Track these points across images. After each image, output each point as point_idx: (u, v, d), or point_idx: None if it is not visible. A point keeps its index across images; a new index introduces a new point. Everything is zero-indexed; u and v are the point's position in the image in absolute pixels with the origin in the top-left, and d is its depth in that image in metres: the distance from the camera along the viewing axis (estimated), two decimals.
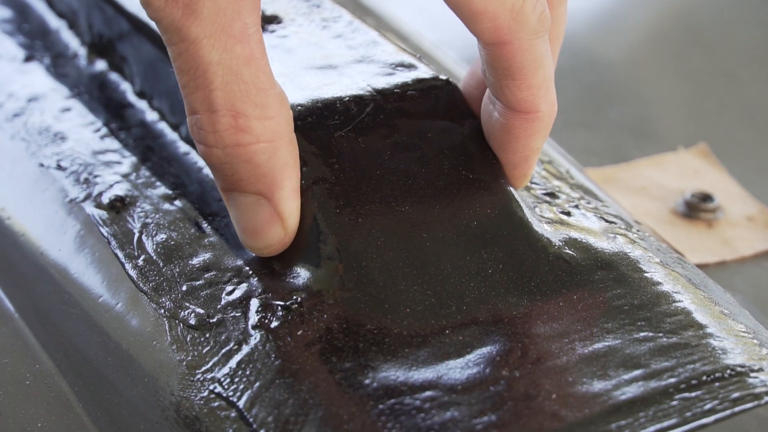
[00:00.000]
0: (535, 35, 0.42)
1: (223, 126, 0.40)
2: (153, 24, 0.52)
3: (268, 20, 0.51)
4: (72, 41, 0.59)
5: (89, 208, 0.48)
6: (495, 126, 0.45)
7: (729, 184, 0.66)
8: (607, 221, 0.48)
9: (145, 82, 0.54)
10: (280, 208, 0.42)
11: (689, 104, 0.74)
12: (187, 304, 0.44)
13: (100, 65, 0.57)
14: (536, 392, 0.39)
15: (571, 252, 0.45)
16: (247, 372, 0.41)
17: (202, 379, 0.41)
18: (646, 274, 0.44)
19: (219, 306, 0.43)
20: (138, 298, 0.45)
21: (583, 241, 0.45)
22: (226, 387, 0.41)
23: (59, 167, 0.51)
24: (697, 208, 0.63)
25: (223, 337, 0.42)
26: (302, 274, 0.43)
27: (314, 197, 0.43)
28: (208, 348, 0.42)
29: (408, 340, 0.41)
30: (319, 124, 0.44)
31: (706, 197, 0.63)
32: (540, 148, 0.45)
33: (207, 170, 0.49)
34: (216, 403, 0.41)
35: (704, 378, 0.40)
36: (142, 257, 0.46)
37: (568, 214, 0.48)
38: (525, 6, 0.41)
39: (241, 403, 0.40)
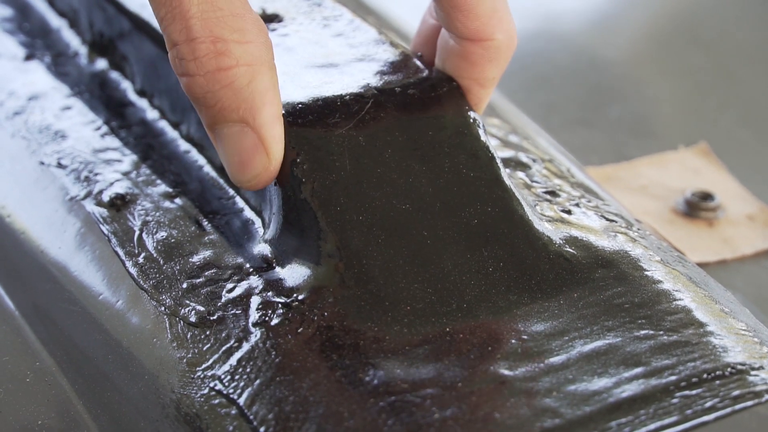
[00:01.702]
0: None
1: (202, 52, 0.41)
2: (154, 23, 0.52)
3: (269, 19, 0.51)
4: (73, 40, 0.60)
5: (90, 206, 0.48)
6: (452, 55, 0.46)
7: (729, 182, 0.66)
8: (607, 220, 0.48)
9: (145, 80, 0.54)
10: (263, 134, 0.42)
11: (689, 103, 0.74)
12: (188, 302, 0.44)
13: (101, 64, 0.57)
14: (537, 389, 0.39)
15: (571, 250, 0.45)
16: (248, 369, 0.41)
17: (202, 376, 0.41)
18: (646, 273, 0.44)
19: (219, 303, 0.43)
20: (138, 295, 0.45)
21: (584, 239, 0.45)
22: (226, 384, 0.41)
23: (60, 165, 0.51)
24: (697, 207, 0.63)
25: (223, 335, 0.42)
26: (303, 272, 0.43)
27: (315, 195, 0.43)
28: (208, 345, 0.42)
29: (408, 337, 0.41)
30: (320, 122, 0.44)
31: (707, 196, 0.63)
32: (497, 79, 0.47)
33: (207, 168, 0.49)
34: (216, 401, 0.41)
35: (705, 376, 0.40)
36: (143, 255, 0.46)
37: (569, 212, 0.48)
38: None
39: (241, 401, 0.40)
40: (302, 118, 0.44)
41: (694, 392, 0.40)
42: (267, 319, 0.42)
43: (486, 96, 0.47)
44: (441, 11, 0.45)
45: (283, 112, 0.44)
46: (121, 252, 0.46)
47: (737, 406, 0.40)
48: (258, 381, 0.40)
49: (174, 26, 0.41)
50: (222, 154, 0.43)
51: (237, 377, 0.41)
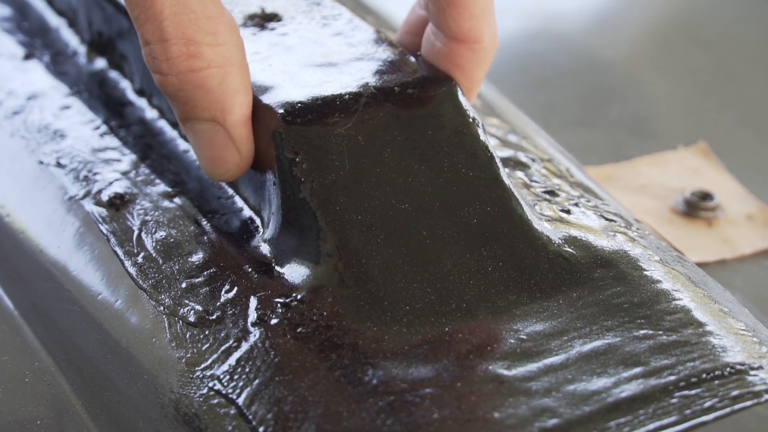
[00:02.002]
0: None
1: (174, 53, 0.42)
2: None
3: (268, 18, 0.51)
4: (72, 39, 0.59)
5: (89, 205, 0.48)
6: (439, 56, 0.47)
7: (729, 182, 0.66)
8: (606, 219, 0.48)
9: (144, 79, 0.54)
10: (233, 133, 0.44)
11: (689, 103, 0.74)
12: (187, 302, 0.44)
13: (100, 63, 0.57)
14: (536, 389, 0.39)
15: (570, 250, 0.45)
16: (247, 369, 0.41)
17: (201, 376, 0.41)
18: (645, 272, 0.44)
19: (218, 303, 0.43)
20: (137, 295, 0.45)
21: (583, 239, 0.45)
22: (225, 384, 0.41)
23: (59, 165, 0.51)
24: (696, 206, 0.63)
25: (222, 335, 0.42)
26: (302, 272, 0.43)
27: (314, 194, 0.43)
28: (207, 345, 0.42)
29: (407, 337, 0.41)
30: (319, 122, 0.44)
31: (706, 196, 0.63)
32: (482, 80, 0.47)
33: None
34: (215, 400, 0.41)
35: (704, 376, 0.40)
36: (142, 254, 0.46)
37: (568, 212, 0.48)
38: None
39: (240, 400, 0.40)
40: (301, 118, 0.44)
41: (693, 392, 0.40)
42: (266, 318, 0.42)
43: (475, 96, 0.48)
44: (434, 6, 0.46)
45: (281, 111, 0.44)
46: (120, 251, 0.46)
47: (736, 406, 0.40)
48: (257, 381, 0.40)
49: (147, 27, 0.42)
50: (194, 147, 0.45)
51: (236, 377, 0.41)
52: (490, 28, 0.46)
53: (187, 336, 0.43)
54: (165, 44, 0.42)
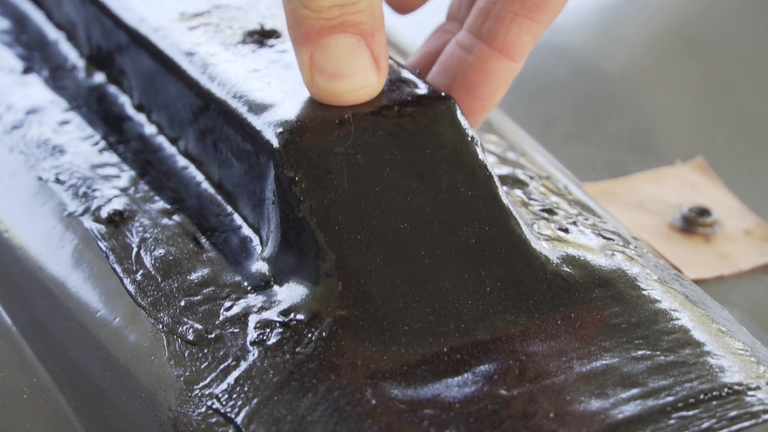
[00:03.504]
0: None
1: None
2: (152, 37, 0.52)
3: (267, 35, 0.51)
4: (70, 53, 0.59)
5: (87, 222, 0.48)
6: (468, 70, 0.48)
7: (726, 198, 0.66)
8: (605, 238, 0.48)
9: (143, 95, 0.54)
10: (378, 52, 0.44)
11: (686, 118, 0.74)
12: (186, 320, 0.44)
13: (99, 78, 0.57)
14: (534, 411, 0.39)
15: (568, 269, 0.45)
16: (246, 388, 0.41)
17: (200, 394, 0.41)
18: (643, 292, 0.44)
19: (217, 322, 0.43)
20: (136, 312, 0.45)
21: (581, 258, 0.45)
22: (224, 403, 0.41)
23: (58, 181, 0.51)
24: (694, 222, 0.63)
25: (221, 353, 0.42)
26: (301, 291, 0.43)
27: (313, 213, 0.43)
28: (206, 364, 0.42)
29: (406, 357, 0.41)
30: (318, 140, 0.44)
31: (704, 211, 0.63)
32: (497, 103, 0.48)
33: (205, 185, 0.49)
34: (214, 419, 0.41)
35: (702, 396, 0.40)
36: (141, 272, 0.46)
37: (566, 230, 0.48)
38: None
39: (239, 420, 0.40)
40: (300, 136, 0.44)
41: (691, 413, 0.40)
42: (265, 338, 0.42)
43: (483, 119, 0.49)
44: (505, 10, 0.47)
45: (280, 129, 0.44)
46: (118, 269, 0.46)
47: (734, 427, 0.40)
48: (255, 400, 0.40)
49: None
50: (324, 63, 0.44)
51: (234, 396, 0.41)
52: (527, 51, 0.48)
53: (186, 354, 0.43)
54: None
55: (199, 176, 0.50)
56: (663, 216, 0.64)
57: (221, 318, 0.43)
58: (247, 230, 0.47)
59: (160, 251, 0.46)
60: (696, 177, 0.67)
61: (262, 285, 0.44)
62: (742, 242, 0.63)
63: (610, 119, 0.73)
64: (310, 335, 0.42)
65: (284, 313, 0.43)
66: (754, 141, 0.72)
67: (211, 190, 0.49)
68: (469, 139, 0.46)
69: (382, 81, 0.45)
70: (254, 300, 0.43)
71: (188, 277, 0.45)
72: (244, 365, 0.41)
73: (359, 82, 0.44)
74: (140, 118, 0.54)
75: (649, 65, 0.80)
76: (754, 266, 0.62)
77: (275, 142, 0.44)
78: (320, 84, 0.44)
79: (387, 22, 0.46)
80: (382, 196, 0.44)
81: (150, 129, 0.53)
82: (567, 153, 0.65)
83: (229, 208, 0.48)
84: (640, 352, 0.42)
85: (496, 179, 0.46)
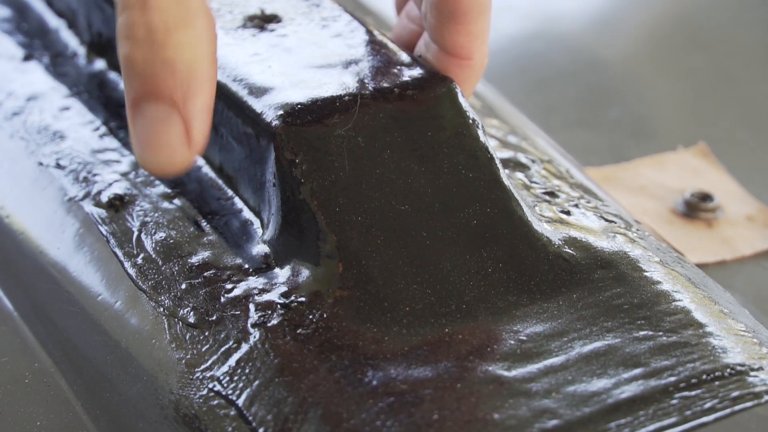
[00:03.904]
0: None
1: (154, 24, 0.40)
2: None
3: (268, 19, 0.51)
4: (71, 40, 0.59)
5: (88, 206, 0.48)
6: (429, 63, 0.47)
7: (728, 183, 0.66)
8: (606, 220, 0.48)
9: None
10: (191, 122, 0.41)
11: (689, 104, 0.74)
12: (186, 303, 0.44)
13: (99, 64, 0.57)
14: (536, 391, 0.39)
15: (570, 251, 0.45)
16: (247, 370, 0.41)
17: (201, 377, 0.41)
18: (645, 273, 0.44)
19: (218, 304, 0.43)
20: (137, 296, 0.45)
21: (583, 240, 0.45)
22: (225, 385, 0.41)
23: (58, 166, 0.51)
24: (696, 207, 0.63)
25: (222, 336, 0.42)
26: (302, 273, 0.43)
27: (314, 195, 0.43)
28: (207, 346, 0.42)
29: (407, 338, 0.41)
30: (319, 123, 0.44)
31: (706, 197, 0.63)
32: (468, 95, 0.48)
33: (206, 169, 0.49)
34: (215, 402, 0.41)
35: (704, 377, 0.40)
36: (141, 256, 0.46)
37: (568, 213, 0.48)
38: None
39: (240, 402, 0.40)
40: (301, 119, 0.44)
41: (693, 393, 0.40)
42: (266, 320, 0.42)
43: None
44: (433, 18, 0.47)
45: (281, 112, 0.44)
46: (119, 253, 0.46)
47: (736, 407, 0.40)
48: (257, 382, 0.40)
49: None
50: (138, 133, 0.42)
51: (236, 378, 0.41)
52: (482, 47, 0.47)
53: (187, 337, 0.43)
54: (145, 12, 0.40)
55: (200, 160, 0.50)
56: (665, 201, 0.64)
57: (222, 301, 0.43)
58: (247, 213, 0.47)
59: (160, 235, 0.46)
60: (698, 162, 0.67)
61: (263, 267, 0.44)
62: (744, 227, 0.63)
63: (611, 106, 0.73)
64: (311, 317, 0.42)
65: (285, 295, 0.43)
66: (756, 127, 0.72)
67: (211, 174, 0.49)
68: (471, 121, 0.46)
69: (192, 159, 0.41)
70: (255, 282, 0.43)
71: (189, 260, 0.45)
72: (245, 347, 0.41)
73: (167, 158, 0.41)
74: None
75: (650, 53, 0.80)
76: (755, 251, 0.61)
77: (276, 125, 0.44)
78: (135, 151, 0.42)
79: (385, 7, 0.46)
80: (382, 178, 0.44)
81: None
82: (568, 138, 0.65)
83: (230, 192, 0.48)
84: (642, 333, 0.42)
85: (497, 161, 0.46)
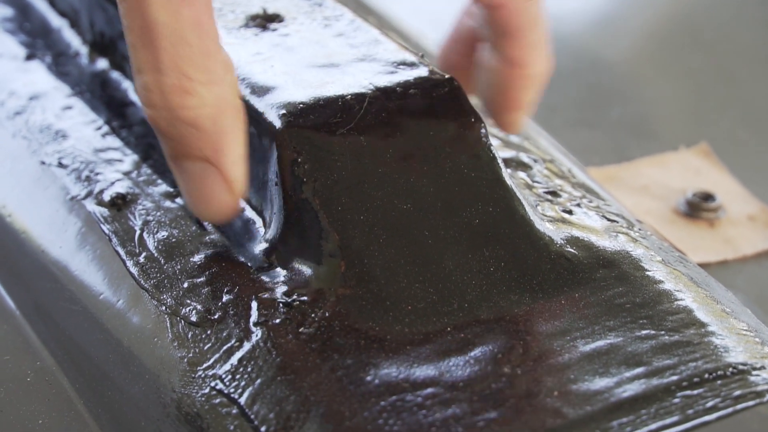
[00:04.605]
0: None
1: (168, 87, 0.41)
2: None
3: (270, 19, 0.51)
4: (73, 40, 0.59)
5: (90, 205, 0.48)
6: (490, 76, 0.47)
7: (730, 183, 0.66)
8: (608, 220, 0.48)
9: None
10: (228, 174, 0.42)
11: (690, 104, 0.74)
12: (189, 301, 0.44)
13: (102, 64, 0.57)
14: (538, 389, 0.39)
15: (572, 250, 0.45)
16: (249, 369, 0.41)
17: (203, 375, 0.41)
18: (647, 273, 0.44)
19: (220, 303, 0.43)
20: (139, 295, 0.45)
21: (585, 239, 0.45)
22: (227, 384, 0.41)
23: (60, 165, 0.51)
24: (698, 207, 0.63)
25: (224, 334, 0.42)
26: (304, 272, 0.43)
27: (316, 194, 0.43)
28: (209, 345, 0.42)
29: (409, 337, 0.41)
30: (321, 122, 0.44)
31: (708, 196, 0.63)
32: (531, 103, 0.48)
33: None
34: (217, 400, 0.41)
35: (706, 376, 0.40)
36: (144, 254, 0.46)
37: (570, 212, 0.48)
38: None
39: (242, 400, 0.40)
40: (303, 118, 0.44)
41: (695, 392, 0.40)
42: (268, 318, 0.42)
43: (519, 119, 0.48)
44: (492, 36, 0.46)
45: (283, 111, 0.44)
46: (122, 251, 0.46)
47: (739, 406, 0.40)
48: (259, 380, 0.40)
49: (141, 54, 0.41)
50: (182, 187, 0.43)
51: (238, 377, 0.41)
52: (541, 56, 0.47)
53: (189, 336, 0.43)
54: (158, 75, 0.40)
55: None
56: (667, 201, 0.64)
57: (224, 299, 0.43)
58: (250, 212, 0.47)
59: (162, 233, 0.46)
60: (700, 162, 0.67)
61: (265, 266, 0.44)
62: (746, 227, 0.63)
63: (613, 106, 0.73)
64: (313, 315, 0.42)
65: (287, 293, 0.43)
66: (758, 127, 0.72)
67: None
68: (473, 120, 0.46)
69: (238, 201, 0.43)
70: (257, 281, 0.43)
71: (191, 259, 0.45)
72: (247, 346, 0.41)
73: (212, 208, 0.43)
74: None
75: (652, 53, 0.80)
76: (757, 251, 0.61)
77: (278, 124, 0.44)
78: (187, 205, 0.44)
79: (388, 6, 0.45)
80: (385, 178, 0.44)
81: None
82: (570, 138, 0.65)
83: None
84: (644, 332, 0.42)
85: (499, 161, 0.46)
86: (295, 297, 0.42)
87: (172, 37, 0.40)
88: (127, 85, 0.55)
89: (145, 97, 0.41)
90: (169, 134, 0.42)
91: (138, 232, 0.47)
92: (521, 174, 0.50)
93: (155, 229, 0.47)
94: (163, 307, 0.44)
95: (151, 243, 0.46)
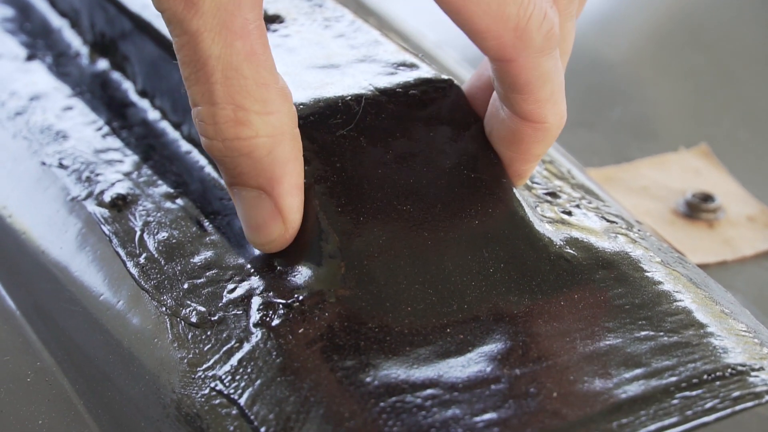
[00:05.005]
0: (541, 53, 0.42)
1: (222, 119, 0.41)
2: (155, 23, 0.52)
3: (271, 20, 0.51)
4: (74, 40, 0.60)
5: (91, 206, 0.48)
6: (501, 126, 0.45)
7: (730, 184, 0.66)
8: (608, 221, 0.48)
9: (146, 81, 0.54)
10: (281, 204, 0.42)
11: (690, 104, 0.74)
12: (189, 302, 0.44)
13: (102, 64, 0.57)
14: (537, 390, 0.39)
15: (572, 251, 0.45)
16: (249, 370, 0.41)
17: (203, 376, 0.41)
18: (647, 274, 0.44)
19: (220, 304, 0.43)
20: (139, 296, 0.45)
21: (585, 240, 0.45)
22: (227, 384, 0.41)
23: (61, 166, 0.51)
24: (698, 208, 0.63)
25: (224, 335, 0.42)
26: (304, 273, 0.43)
27: (316, 196, 0.43)
28: (209, 346, 0.42)
29: (409, 338, 0.41)
30: (321, 123, 0.44)
31: (707, 197, 0.63)
32: (542, 154, 0.46)
33: (209, 169, 0.50)
34: (217, 401, 0.41)
35: (705, 377, 0.40)
36: (144, 255, 0.46)
37: (570, 213, 0.48)
38: (530, 25, 0.41)
39: (242, 401, 0.40)
40: (303, 119, 0.44)
41: (694, 393, 0.40)
42: (268, 319, 0.42)
43: (530, 169, 0.46)
44: (500, 87, 0.44)
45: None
46: (122, 252, 0.46)
47: (737, 407, 0.40)
48: (259, 381, 0.40)
49: (197, 88, 0.41)
50: (239, 214, 0.43)
51: (238, 377, 0.41)
52: (555, 109, 0.44)
53: (189, 337, 0.43)
54: (213, 108, 0.40)
55: (203, 160, 0.50)
56: (667, 202, 0.64)
57: (224, 300, 0.43)
58: None
59: (163, 234, 0.47)
60: (700, 163, 0.67)
61: (265, 267, 0.44)
62: (746, 228, 0.63)
63: (613, 107, 0.73)
64: (313, 317, 0.42)
65: (287, 294, 0.43)
66: (758, 128, 0.72)
67: (214, 174, 0.49)
68: (472, 121, 0.46)
69: (292, 232, 0.43)
70: (257, 282, 0.44)
71: (191, 260, 0.45)
72: (247, 347, 0.41)
73: (265, 236, 0.43)
74: (144, 103, 0.54)
75: (652, 54, 0.80)
76: (757, 252, 0.62)
77: None
78: (246, 234, 0.44)
79: (388, 7, 0.45)
80: (385, 179, 0.44)
81: (153, 114, 0.53)
82: (570, 139, 0.65)
83: None
84: (643, 333, 0.42)
85: (498, 162, 0.46)
86: (294, 298, 0.42)
87: (226, 69, 0.40)
88: (127, 85, 0.55)
89: (201, 127, 0.41)
90: (225, 163, 0.42)
91: (138, 233, 0.47)
92: None
93: (156, 230, 0.47)
94: (164, 308, 0.44)
95: (151, 244, 0.46)
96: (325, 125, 0.44)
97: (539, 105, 0.44)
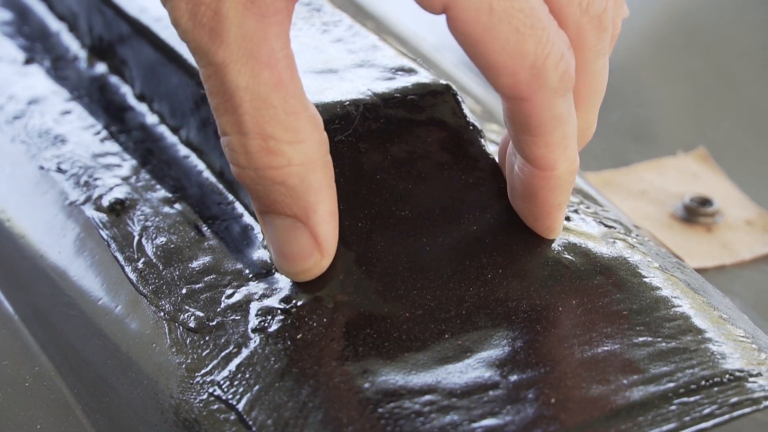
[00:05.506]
0: (556, 94, 0.41)
1: (253, 148, 0.40)
2: (153, 27, 0.52)
3: None
4: (72, 44, 0.60)
5: (89, 210, 0.48)
6: (515, 178, 0.44)
7: (728, 188, 0.66)
8: (606, 226, 0.48)
9: (145, 85, 0.54)
10: (317, 232, 0.42)
11: (688, 108, 0.74)
12: (187, 307, 0.44)
13: (101, 68, 0.57)
14: (535, 396, 0.39)
15: (570, 257, 0.45)
16: (247, 375, 0.41)
17: (201, 381, 0.41)
18: (645, 279, 0.44)
19: (219, 309, 0.43)
20: (137, 300, 0.45)
21: (582, 245, 0.45)
22: (225, 390, 0.41)
23: (59, 170, 0.51)
24: (696, 212, 0.63)
25: (222, 340, 0.42)
26: None
27: None
28: (207, 351, 0.42)
29: (407, 344, 0.41)
30: None
31: (706, 201, 0.63)
32: (562, 204, 0.44)
33: (207, 173, 0.50)
34: (215, 406, 0.41)
35: (703, 383, 0.40)
36: (142, 260, 0.46)
37: (568, 218, 0.48)
38: (546, 63, 0.40)
39: (240, 406, 0.40)
40: None
41: (692, 399, 0.40)
42: (266, 324, 0.42)
43: (556, 221, 0.44)
44: (511, 129, 0.43)
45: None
46: (120, 257, 0.46)
47: (735, 413, 0.40)
48: (257, 387, 0.40)
49: (226, 118, 0.40)
50: (271, 243, 0.43)
51: (236, 383, 0.41)
52: (565, 154, 0.42)
53: (188, 342, 0.43)
54: (243, 137, 0.40)
55: (201, 165, 0.50)
56: (665, 205, 0.64)
57: (223, 305, 0.43)
58: (248, 218, 0.47)
59: (161, 239, 0.47)
60: (698, 167, 0.67)
61: (263, 273, 0.44)
62: (744, 232, 0.63)
63: (611, 110, 0.73)
64: (311, 322, 0.42)
65: (285, 300, 0.43)
66: (756, 132, 0.72)
67: (212, 178, 0.49)
68: (471, 127, 0.46)
69: (327, 260, 0.42)
70: (255, 287, 0.44)
71: (190, 264, 0.45)
72: (245, 352, 0.41)
73: (299, 266, 0.42)
74: (142, 107, 0.54)
75: (650, 57, 0.80)
76: (755, 256, 0.62)
77: None
78: (274, 260, 0.43)
79: (386, 11, 0.45)
80: (383, 184, 0.44)
81: (151, 119, 0.53)
82: None
83: (231, 197, 0.48)
84: (641, 339, 0.42)
85: (497, 167, 0.46)
86: (293, 303, 0.42)
87: (255, 100, 0.40)
88: (125, 89, 0.55)
89: (231, 156, 0.41)
90: (258, 192, 0.41)
91: (137, 238, 0.47)
92: None
93: (154, 235, 0.47)
94: (162, 313, 0.44)
95: (149, 249, 0.46)
96: (323, 131, 0.44)
97: (550, 150, 0.42)
